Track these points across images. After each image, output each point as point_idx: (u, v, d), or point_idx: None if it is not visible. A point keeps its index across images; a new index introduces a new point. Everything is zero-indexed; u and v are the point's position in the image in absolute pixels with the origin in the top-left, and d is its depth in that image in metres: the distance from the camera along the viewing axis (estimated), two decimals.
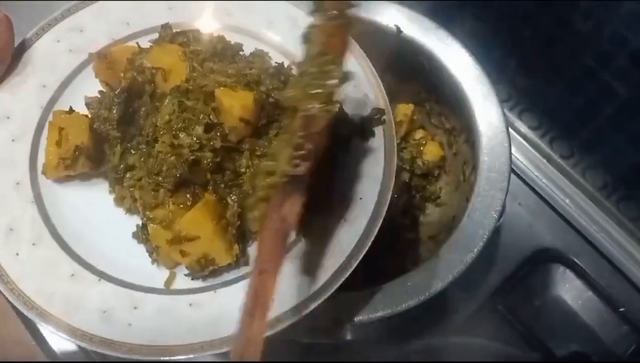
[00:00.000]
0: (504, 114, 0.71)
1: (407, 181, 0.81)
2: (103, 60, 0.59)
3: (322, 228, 0.54)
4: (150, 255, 0.54)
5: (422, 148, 0.82)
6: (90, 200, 0.56)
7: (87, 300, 0.50)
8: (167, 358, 0.47)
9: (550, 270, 0.87)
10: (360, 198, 0.54)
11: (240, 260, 0.54)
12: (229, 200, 0.54)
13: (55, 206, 0.55)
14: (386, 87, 0.63)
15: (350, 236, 0.53)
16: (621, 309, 0.83)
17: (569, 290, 0.86)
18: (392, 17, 0.76)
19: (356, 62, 0.61)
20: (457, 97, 0.73)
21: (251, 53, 0.63)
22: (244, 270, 0.53)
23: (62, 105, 0.59)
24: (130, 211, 0.56)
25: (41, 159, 0.56)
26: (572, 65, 0.86)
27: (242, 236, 0.54)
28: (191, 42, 0.62)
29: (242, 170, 0.55)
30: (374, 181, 0.55)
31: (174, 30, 0.62)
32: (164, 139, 0.53)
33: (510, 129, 0.95)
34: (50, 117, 0.57)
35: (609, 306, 0.83)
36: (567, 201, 0.90)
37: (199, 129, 0.53)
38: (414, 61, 0.77)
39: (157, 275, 0.53)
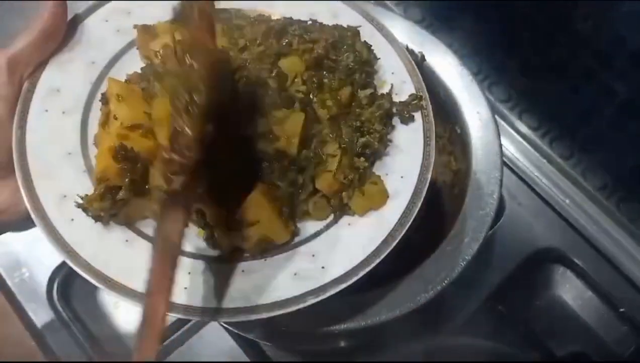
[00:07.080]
0: (490, 105, 0.72)
1: None
2: (147, 32, 0.60)
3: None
4: (208, 240, 0.54)
5: None
6: None
7: (142, 265, 0.49)
8: (214, 319, 0.50)
9: (550, 270, 0.87)
10: (402, 176, 0.56)
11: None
12: (279, 183, 0.54)
13: None
14: None
15: (394, 210, 0.54)
16: (621, 309, 0.83)
17: (569, 290, 0.86)
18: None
19: (395, 52, 0.64)
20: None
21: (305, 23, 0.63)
22: (295, 239, 0.55)
23: None
24: None
25: (91, 130, 0.57)
26: (572, 65, 0.86)
27: (292, 214, 0.55)
28: (233, 18, 0.63)
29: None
30: (414, 160, 0.57)
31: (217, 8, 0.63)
32: None
33: (510, 130, 0.97)
34: (102, 89, 0.58)
35: (609, 306, 0.83)
36: (567, 201, 0.90)
37: None
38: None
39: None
